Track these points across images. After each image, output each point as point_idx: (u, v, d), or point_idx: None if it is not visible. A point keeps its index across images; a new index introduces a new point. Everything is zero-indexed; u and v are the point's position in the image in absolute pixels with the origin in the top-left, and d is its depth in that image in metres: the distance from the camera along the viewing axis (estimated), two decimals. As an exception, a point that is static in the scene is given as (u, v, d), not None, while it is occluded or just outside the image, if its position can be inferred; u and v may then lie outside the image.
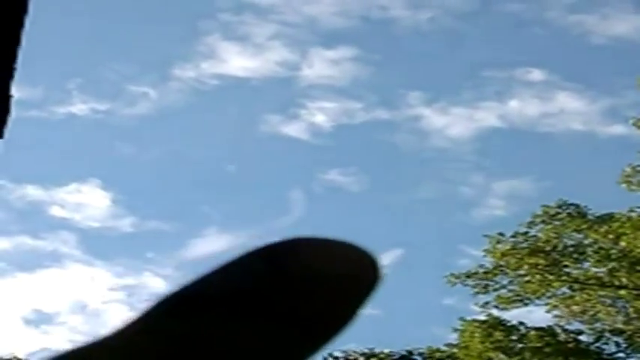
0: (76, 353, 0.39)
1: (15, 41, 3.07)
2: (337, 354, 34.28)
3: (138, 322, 0.40)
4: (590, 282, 29.91)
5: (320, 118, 52.11)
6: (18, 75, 3.07)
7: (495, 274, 30.17)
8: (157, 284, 54.62)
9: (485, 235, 30.65)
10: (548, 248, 29.71)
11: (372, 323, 42.77)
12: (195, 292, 0.39)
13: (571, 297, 30.21)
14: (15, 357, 36.72)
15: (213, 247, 50.40)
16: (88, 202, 57.40)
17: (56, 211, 53.22)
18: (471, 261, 31.00)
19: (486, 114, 49.21)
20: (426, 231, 46.87)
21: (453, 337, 32.20)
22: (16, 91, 3.12)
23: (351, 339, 38.33)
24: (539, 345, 29.37)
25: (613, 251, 29.15)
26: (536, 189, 44.72)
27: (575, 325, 30.30)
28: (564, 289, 30.36)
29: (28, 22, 3.06)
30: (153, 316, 0.40)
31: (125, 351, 0.39)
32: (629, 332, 29.36)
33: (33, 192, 51.56)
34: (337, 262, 0.40)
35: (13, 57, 3.13)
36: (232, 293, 0.39)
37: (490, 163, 49.35)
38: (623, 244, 28.67)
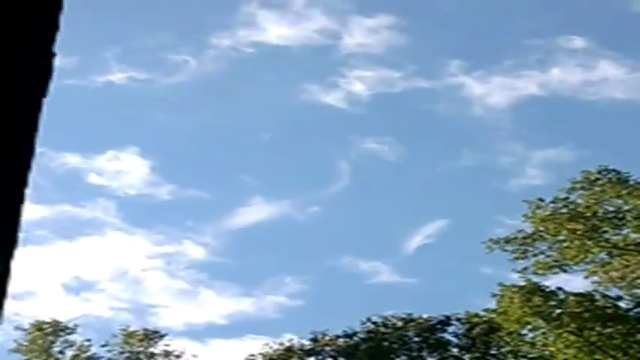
0: None
1: None
2: (376, 319, 34.87)
3: None
4: (630, 248, 29.99)
5: (359, 87, 51.84)
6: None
7: (534, 240, 30.36)
8: (197, 252, 54.76)
9: (525, 201, 30.83)
10: (587, 214, 29.76)
11: (410, 291, 43.05)
12: None
13: (609, 263, 30.34)
14: (55, 321, 37.69)
15: (258, 216, 50.42)
16: (126, 169, 57.63)
17: (94, 179, 53.60)
18: (507, 230, 31.11)
19: (527, 82, 48.64)
20: (463, 201, 46.87)
21: (490, 305, 32.57)
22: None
23: (389, 306, 38.67)
24: (577, 310, 29.55)
25: (653, 217, 29.09)
26: (574, 157, 44.56)
27: (614, 291, 30.50)
28: (603, 255, 30.50)
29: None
30: None
31: None
32: (668, 299, 29.47)
33: (71, 160, 52.03)
34: None
35: (56, 12, 3.14)
36: None
37: (529, 132, 49.09)
38: (663, 210, 28.58)
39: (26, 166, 3.04)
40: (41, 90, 3.12)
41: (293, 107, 49.97)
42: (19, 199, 3.00)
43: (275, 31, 54.34)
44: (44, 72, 3.13)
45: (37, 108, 3.11)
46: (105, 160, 52.31)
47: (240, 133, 51.79)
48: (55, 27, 3.17)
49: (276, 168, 50.65)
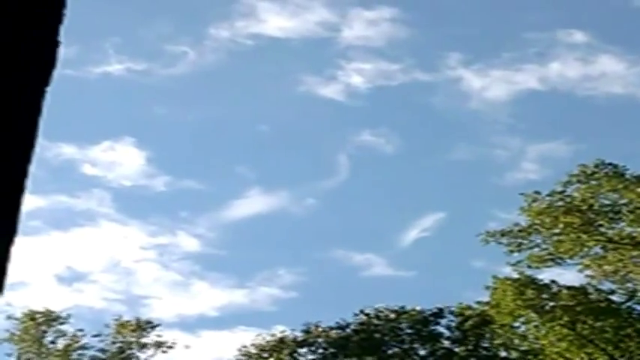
0: None
1: None
2: (368, 311, 34.76)
3: None
4: (624, 242, 29.94)
5: (357, 80, 51.42)
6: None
7: (530, 233, 30.30)
8: (191, 244, 54.53)
9: (521, 194, 30.75)
10: (583, 207, 29.72)
11: (404, 284, 42.87)
12: None
13: (603, 257, 30.31)
14: (48, 311, 37.48)
15: (253, 208, 50.16)
16: (122, 160, 57.31)
17: (89, 170, 53.31)
18: (502, 224, 31.07)
19: (526, 76, 48.37)
20: (460, 194, 46.69)
21: (483, 297, 32.47)
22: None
23: (382, 299, 38.53)
24: (570, 304, 29.55)
25: (649, 211, 29.04)
26: (571, 152, 44.38)
27: (607, 285, 30.47)
28: (597, 249, 30.47)
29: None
30: None
31: None
32: (661, 293, 29.45)
33: (66, 150, 51.70)
34: None
35: (61, 0, 3.12)
36: None
37: (527, 126, 48.84)
38: (659, 204, 28.54)
39: (28, 156, 3.02)
40: (45, 79, 3.09)
41: (291, 99, 49.81)
42: (21, 186, 2.98)
43: (274, 22, 54.19)
44: (48, 61, 3.09)
45: (41, 97, 3.08)
46: (100, 150, 52.23)
47: (237, 124, 51.65)
48: (60, 15, 3.14)
49: (273, 160, 50.50)
